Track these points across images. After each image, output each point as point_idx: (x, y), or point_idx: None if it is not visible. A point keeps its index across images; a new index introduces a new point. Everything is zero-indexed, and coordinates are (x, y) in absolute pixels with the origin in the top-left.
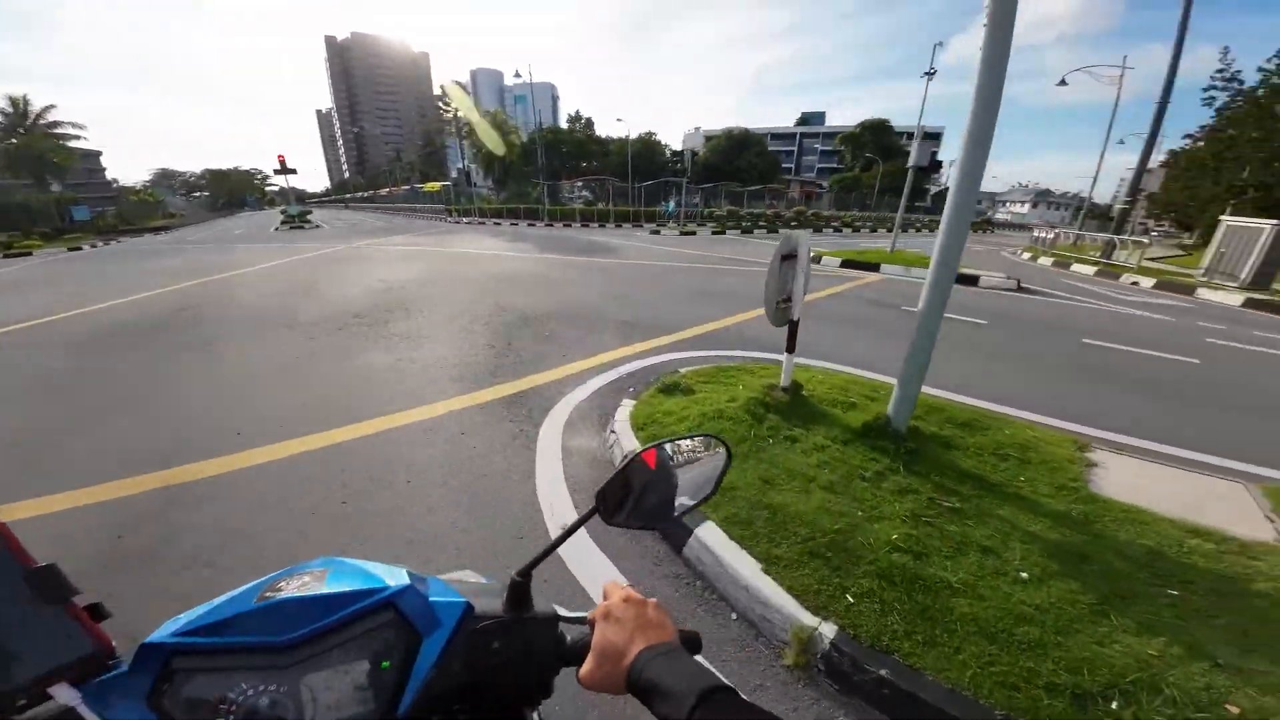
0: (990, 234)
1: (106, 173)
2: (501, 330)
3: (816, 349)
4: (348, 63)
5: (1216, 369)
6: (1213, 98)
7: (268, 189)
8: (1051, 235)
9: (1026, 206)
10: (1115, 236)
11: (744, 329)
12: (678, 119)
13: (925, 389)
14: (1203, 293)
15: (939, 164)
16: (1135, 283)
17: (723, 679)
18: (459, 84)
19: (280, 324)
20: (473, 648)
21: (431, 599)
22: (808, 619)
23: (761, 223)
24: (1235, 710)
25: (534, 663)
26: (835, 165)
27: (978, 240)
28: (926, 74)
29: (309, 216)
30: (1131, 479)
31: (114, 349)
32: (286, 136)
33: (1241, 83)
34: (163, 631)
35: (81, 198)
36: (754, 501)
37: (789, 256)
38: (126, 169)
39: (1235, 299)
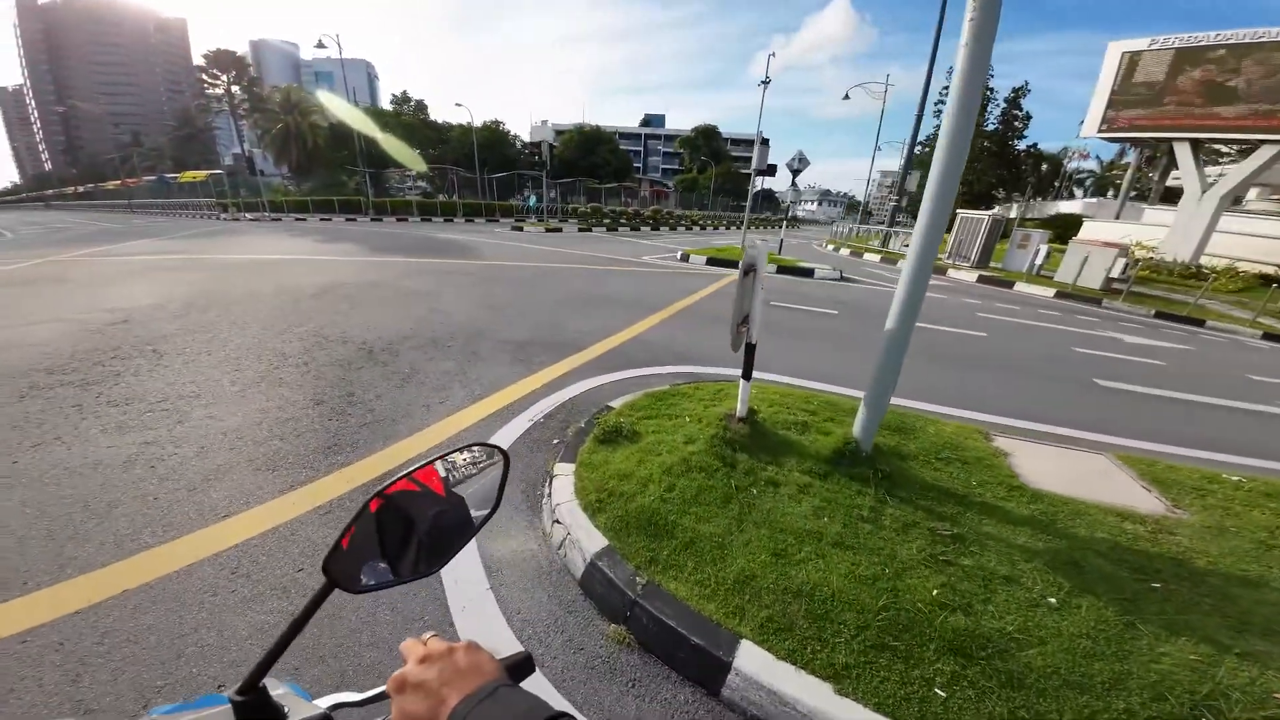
0: (797, 229)
1: None
2: (331, 374)
3: (714, 356)
4: (53, 30)
5: (998, 341)
6: (940, 110)
7: None
8: (848, 230)
9: (814, 204)
10: (889, 229)
11: (651, 338)
12: (521, 112)
13: (826, 388)
14: (951, 273)
15: (774, 168)
16: None
17: (564, 705)
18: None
19: None
20: None
21: None
22: None
23: (624, 220)
24: None
25: None
26: (677, 166)
27: (791, 235)
28: (762, 82)
29: None
30: (1039, 465)
31: None
32: None
33: None
34: None
35: None
36: (781, 590)
37: (750, 271)
38: None
39: (972, 276)
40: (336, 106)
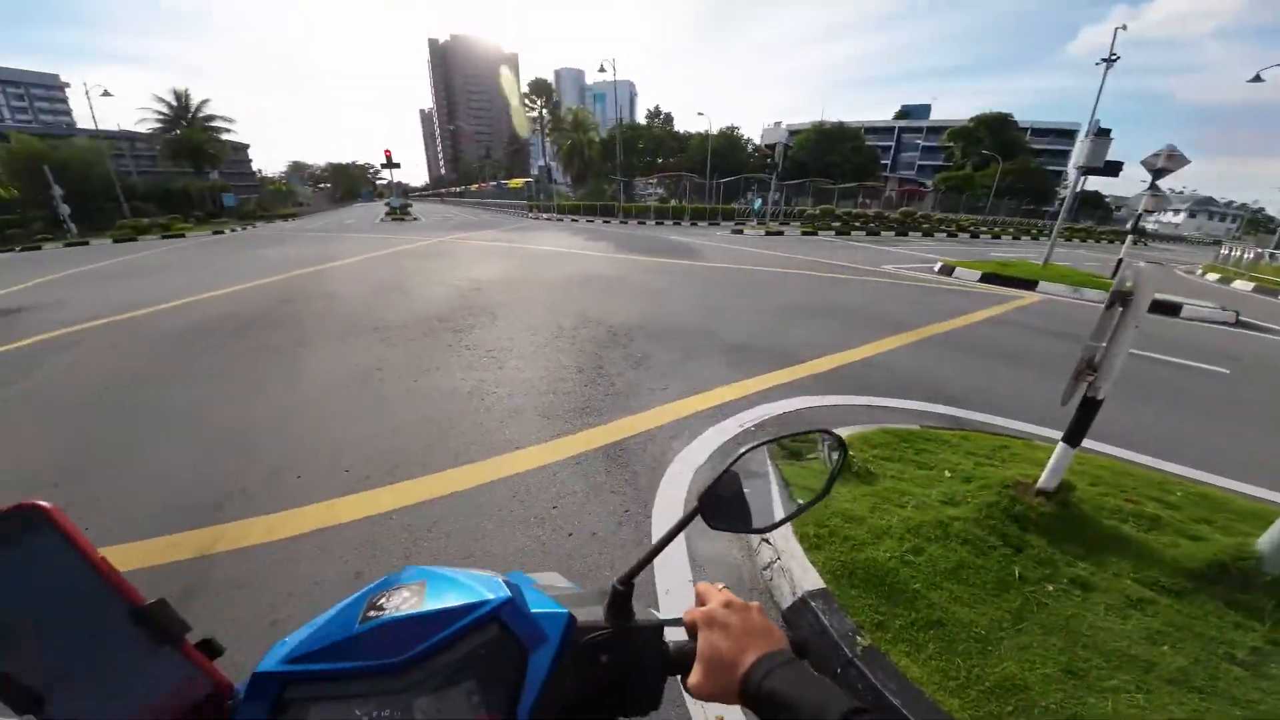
0: (1145, 247)
1: (252, 164)
2: (588, 349)
3: (988, 400)
4: (447, 64)
5: None
6: None
7: (378, 182)
8: (1251, 254)
9: (1181, 216)
10: None
11: (895, 363)
12: (757, 114)
13: (1199, 475)
14: None
15: (1117, 166)
16: None
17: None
18: (544, 83)
19: (369, 327)
20: (580, 661)
21: (533, 610)
22: None
23: (858, 223)
24: None
25: (642, 674)
26: (941, 163)
27: (1135, 255)
28: (1105, 60)
29: (409, 209)
30: None
31: (203, 347)
32: (394, 135)
33: None
34: (272, 658)
35: (231, 185)
36: (1065, 715)
37: (1123, 302)
38: (267, 160)
39: None
40: (599, 126)
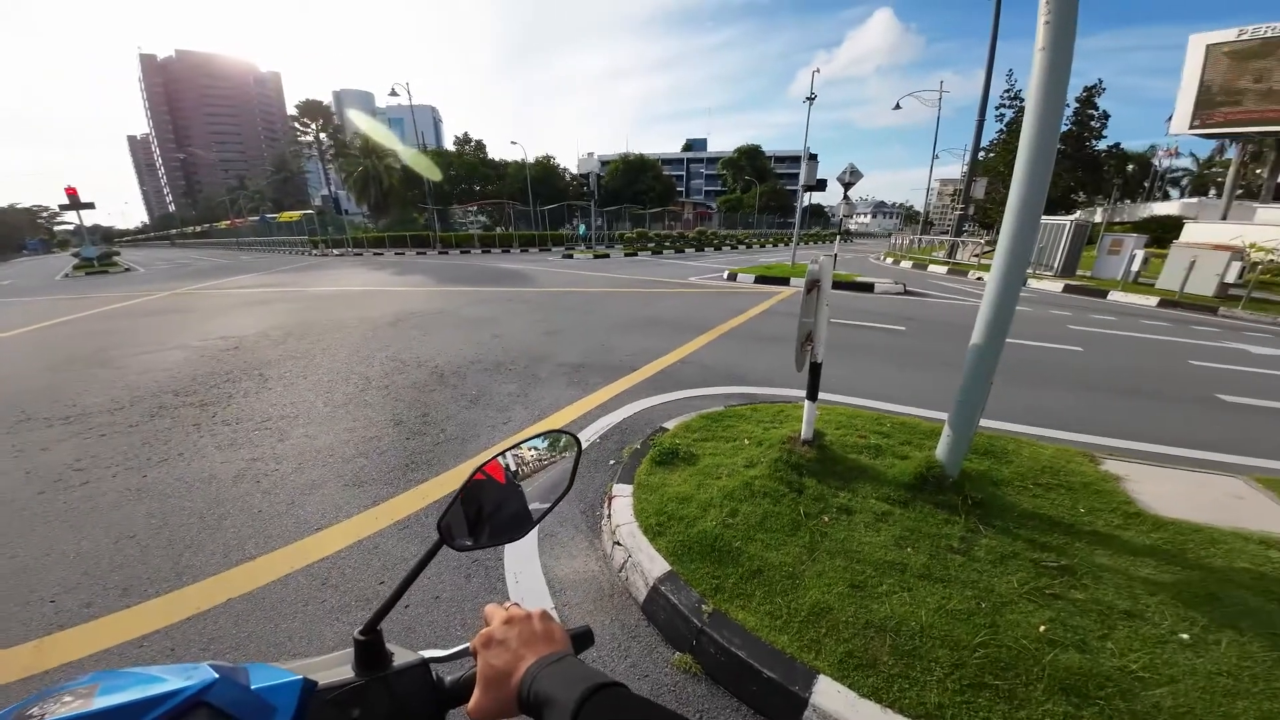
0: (850, 243)
1: None
2: (408, 396)
3: (769, 376)
4: (171, 83)
5: (1097, 355)
6: (1002, 114)
7: (57, 228)
8: (907, 241)
9: (868, 217)
10: (955, 239)
11: (702, 358)
12: (570, 144)
13: (898, 409)
14: (1032, 283)
15: (824, 182)
16: (980, 278)
17: (611, 676)
18: (319, 104)
19: (55, 417)
20: None
21: (254, 687)
22: None
23: (668, 243)
24: None
25: (408, 716)
26: (719, 188)
27: (845, 250)
28: (807, 98)
29: (115, 258)
30: (1159, 489)
31: None
32: (85, 167)
33: (1023, 100)
34: None
35: None
36: (860, 624)
37: (814, 287)
38: None
39: (1056, 285)
40: (405, 153)
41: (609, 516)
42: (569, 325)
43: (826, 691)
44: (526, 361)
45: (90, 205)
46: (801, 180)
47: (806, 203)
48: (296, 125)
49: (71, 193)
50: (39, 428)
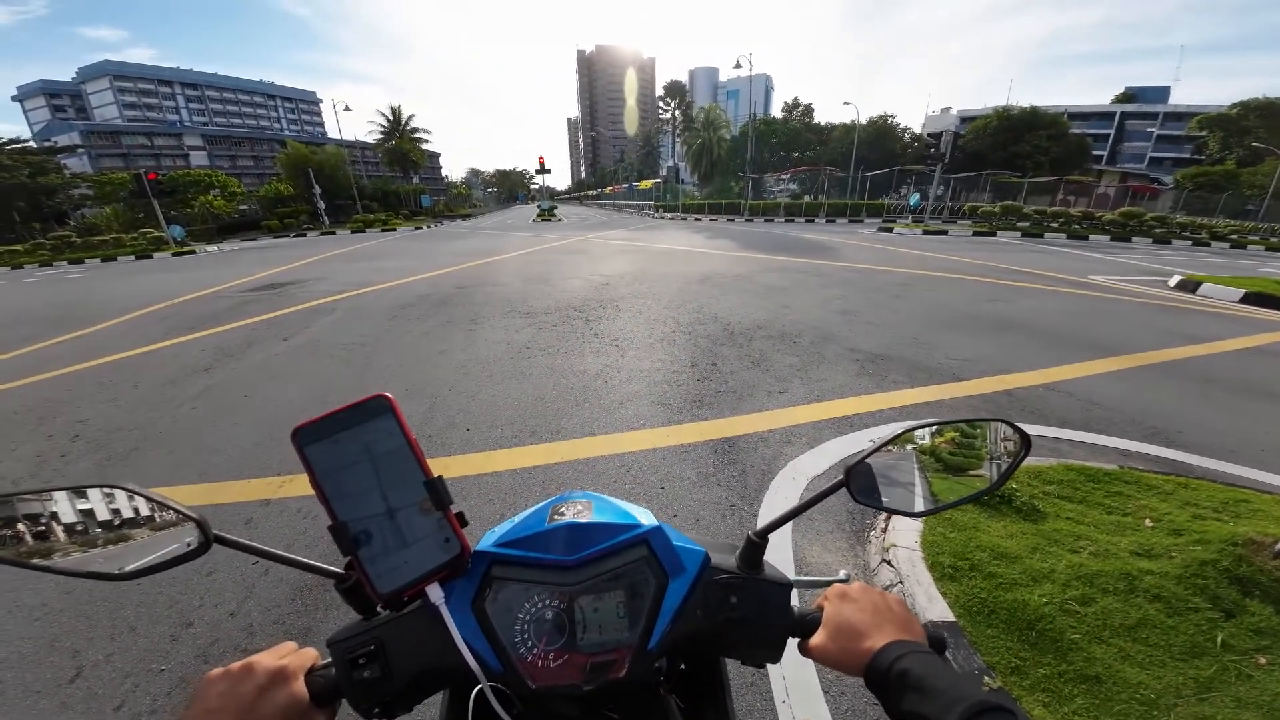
0: None
1: (443, 170)
2: (704, 345)
3: (1232, 442)
4: (592, 73)
5: None
6: None
7: (531, 186)
8: None
9: None
10: None
11: (1093, 391)
12: (917, 101)
13: None
14: None
15: None
16: None
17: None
18: (677, 85)
19: (522, 312)
20: (711, 598)
21: (675, 544)
22: None
23: (1056, 224)
24: None
25: (767, 625)
26: (1187, 156)
27: None
28: None
29: (555, 211)
30: None
31: (409, 318)
32: (546, 141)
33: None
34: (486, 541)
35: (427, 188)
36: None
37: None
38: (449, 167)
39: None
40: (731, 123)
41: (884, 531)
42: (872, 309)
43: None
44: (812, 338)
45: (549, 171)
46: None
47: None
48: (660, 104)
49: (540, 161)
50: (515, 317)
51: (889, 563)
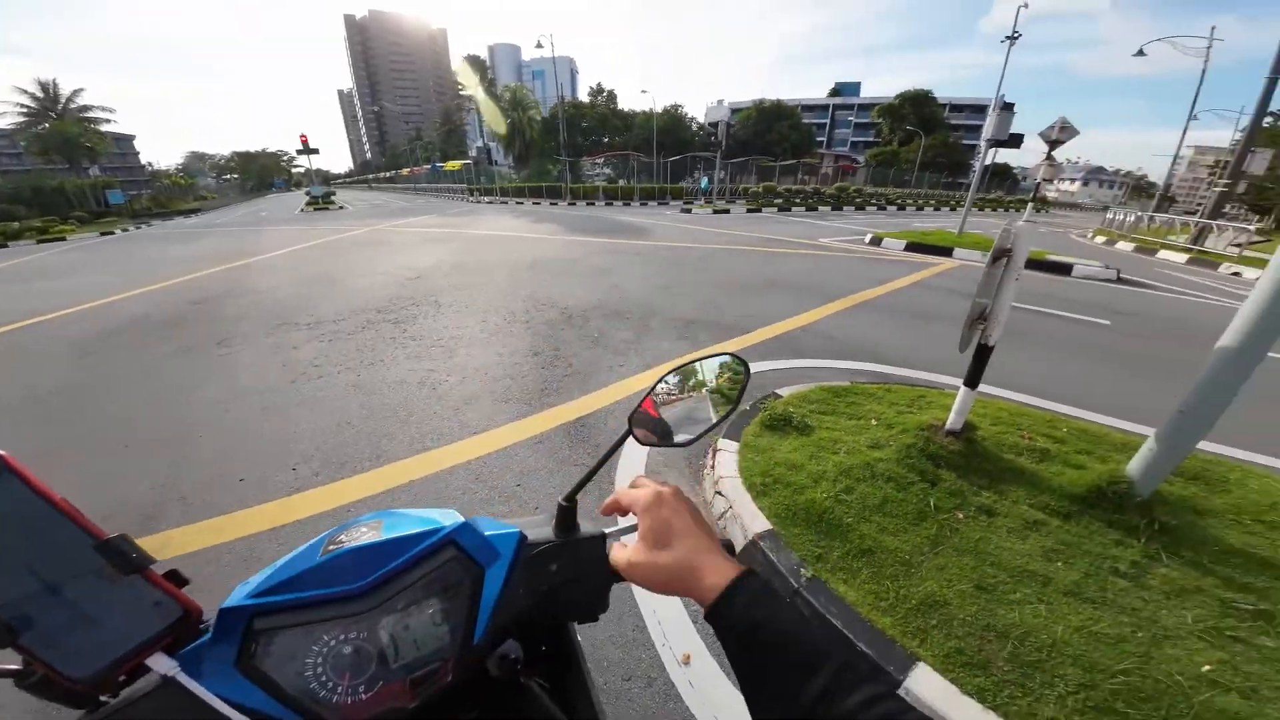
0: (1046, 213)
1: (140, 156)
2: (543, 331)
3: (909, 357)
4: (367, 41)
5: None
6: None
7: (294, 171)
8: (1132, 218)
9: (1076, 184)
10: (1207, 221)
11: (829, 329)
12: (701, 92)
13: (1081, 414)
14: None
15: (1019, 138)
16: (1237, 273)
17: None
18: (476, 59)
19: (300, 324)
20: (531, 572)
21: (486, 533)
22: None
23: (798, 199)
24: None
25: (589, 579)
26: (871, 139)
27: (1037, 221)
28: (1009, 38)
29: (333, 198)
30: None
31: (117, 350)
32: (310, 118)
33: None
34: (237, 595)
35: (117, 181)
36: (979, 625)
37: (1003, 257)
38: (159, 153)
39: None
40: (540, 105)
41: (712, 468)
42: (682, 281)
43: (925, 679)
44: (641, 313)
45: (315, 151)
46: (986, 133)
47: (989, 160)
48: (459, 80)
49: (304, 139)
50: (292, 331)
51: (720, 493)
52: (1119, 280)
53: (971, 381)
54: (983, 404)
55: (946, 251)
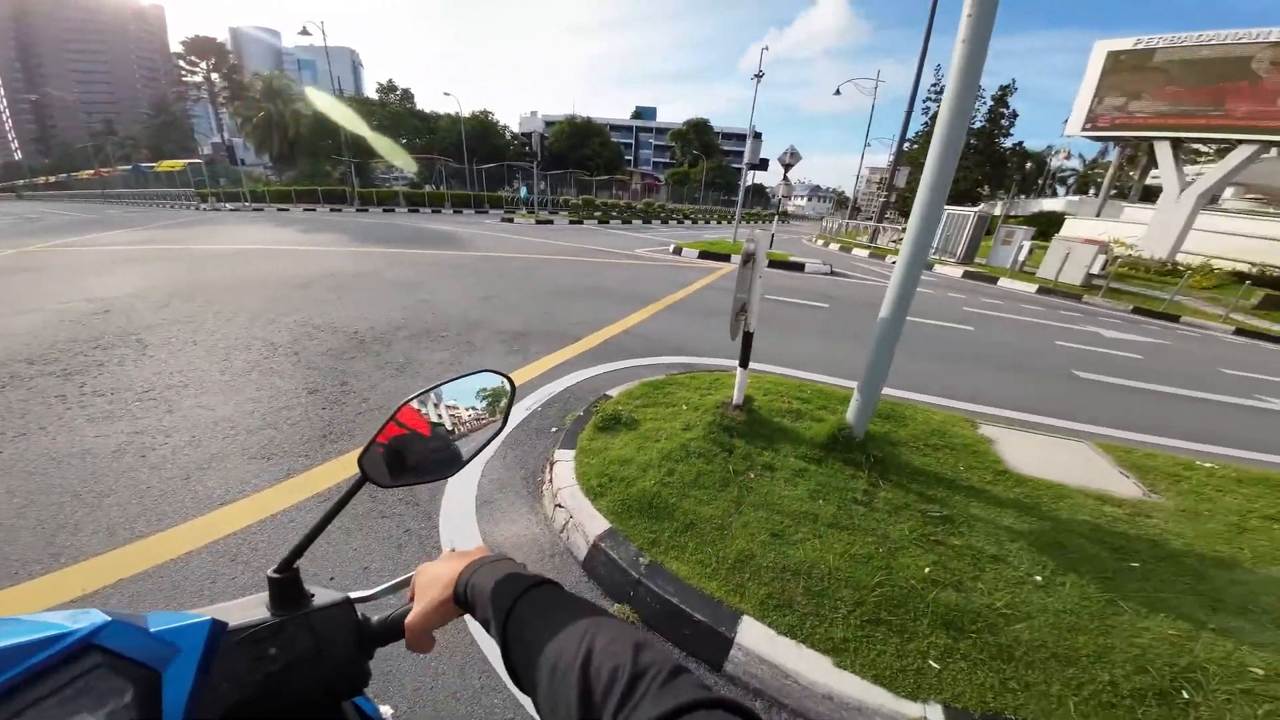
0: (787, 224)
1: None
2: (323, 364)
3: (708, 347)
4: (22, 16)
5: (984, 334)
6: (928, 108)
7: None
8: (838, 225)
9: (804, 200)
10: (878, 225)
11: (645, 330)
12: (511, 103)
13: (818, 378)
14: (938, 268)
15: (766, 162)
16: (894, 263)
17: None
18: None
19: None
20: (240, 661)
21: (154, 629)
22: (911, 709)
23: (615, 213)
24: (1259, 672)
25: (333, 652)
26: (668, 160)
27: (782, 230)
28: (755, 76)
29: None
30: (1023, 452)
31: None
32: None
33: None
34: None
35: None
36: (780, 568)
37: (750, 260)
38: None
39: (957, 271)
40: (320, 97)
41: (550, 481)
42: (509, 292)
43: (750, 631)
44: (460, 328)
45: None
46: (746, 158)
47: (750, 181)
48: (182, 64)
49: None
50: None
51: (560, 505)
52: (832, 273)
53: (744, 363)
54: (756, 379)
55: (726, 258)
